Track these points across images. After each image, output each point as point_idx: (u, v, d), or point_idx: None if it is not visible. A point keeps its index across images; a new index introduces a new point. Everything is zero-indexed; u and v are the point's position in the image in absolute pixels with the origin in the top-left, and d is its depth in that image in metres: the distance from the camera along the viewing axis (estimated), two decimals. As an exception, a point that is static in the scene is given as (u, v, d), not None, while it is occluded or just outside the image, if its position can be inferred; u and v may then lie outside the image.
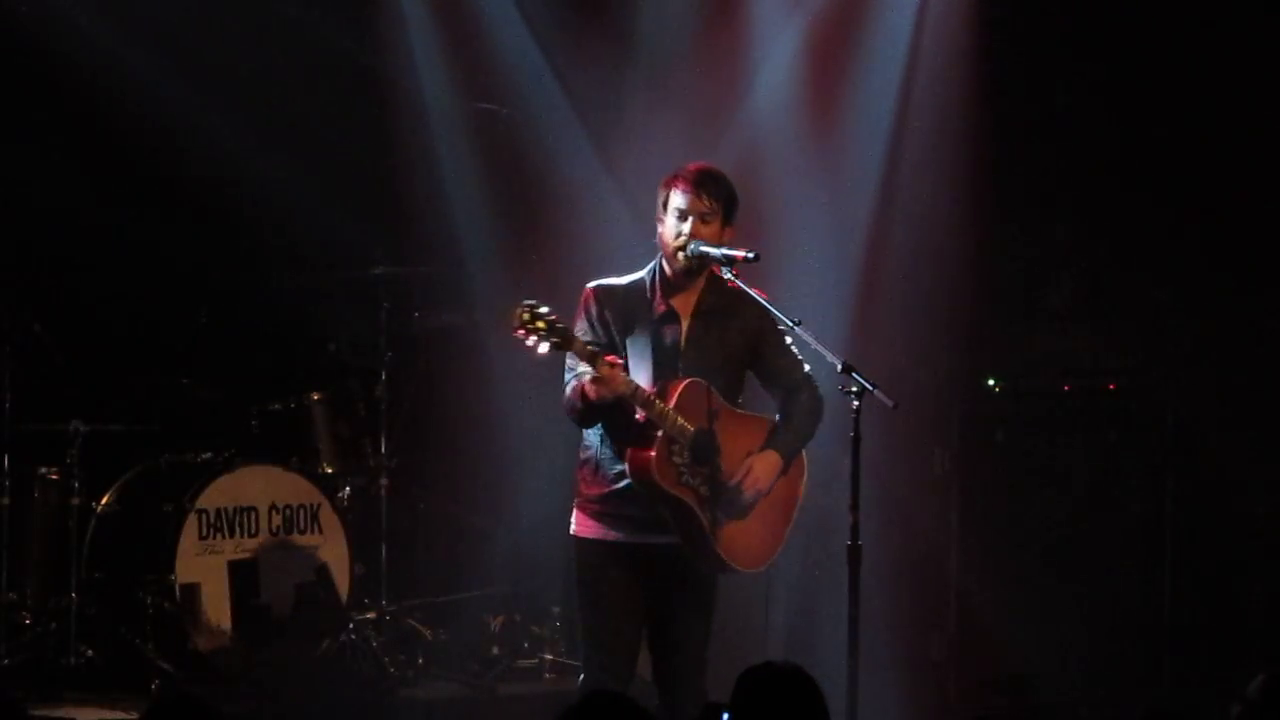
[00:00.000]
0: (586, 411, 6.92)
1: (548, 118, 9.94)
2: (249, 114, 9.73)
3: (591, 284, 7.10)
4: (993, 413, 9.80)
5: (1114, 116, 9.97)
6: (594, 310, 7.05)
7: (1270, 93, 9.77)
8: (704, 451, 6.98)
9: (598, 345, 6.93)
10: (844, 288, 9.68)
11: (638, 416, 6.89)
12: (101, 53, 9.52)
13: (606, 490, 7.03)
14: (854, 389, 6.96)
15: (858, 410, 6.98)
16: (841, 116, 9.89)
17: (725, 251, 7.10)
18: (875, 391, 6.95)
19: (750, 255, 7.09)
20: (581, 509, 7.09)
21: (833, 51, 9.91)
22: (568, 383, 7.00)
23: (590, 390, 6.85)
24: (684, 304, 7.11)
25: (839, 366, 6.98)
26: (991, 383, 9.81)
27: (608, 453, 7.02)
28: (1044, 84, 9.93)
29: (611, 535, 7.03)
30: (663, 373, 6.98)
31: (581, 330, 7.00)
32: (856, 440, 7.00)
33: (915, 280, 9.80)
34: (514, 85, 9.98)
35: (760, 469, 7.07)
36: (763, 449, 7.09)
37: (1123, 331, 9.94)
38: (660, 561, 7.04)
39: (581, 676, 7.18)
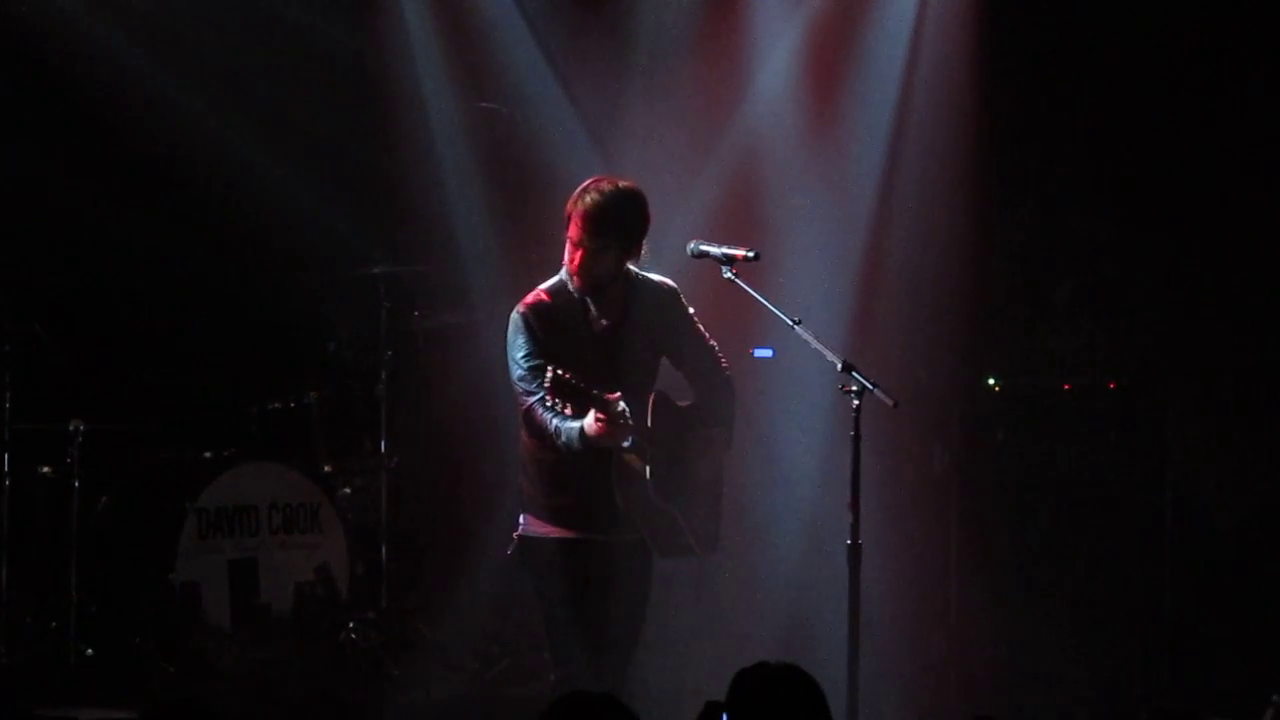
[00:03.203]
0: (583, 450, 6.92)
1: (548, 117, 9.94)
2: (249, 114, 9.74)
3: (523, 306, 7.05)
4: (993, 413, 9.80)
5: (1114, 116, 9.97)
6: (542, 333, 7.00)
7: (1272, 94, 9.77)
8: (674, 463, 7.08)
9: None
10: (844, 287, 9.67)
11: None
12: (101, 53, 9.53)
13: (577, 495, 7.04)
14: (854, 388, 6.98)
15: (858, 409, 6.99)
16: (841, 116, 9.89)
17: (726, 250, 7.12)
18: (875, 391, 6.96)
19: (750, 254, 7.12)
20: (544, 513, 7.09)
21: (833, 51, 9.91)
22: (531, 405, 6.96)
23: (600, 434, 6.84)
24: (612, 312, 7.11)
25: (839, 366, 7.00)
26: (991, 383, 9.81)
27: (569, 463, 7.01)
28: (1044, 83, 9.93)
29: (587, 535, 7.06)
30: (608, 387, 6.95)
31: (531, 353, 6.97)
32: (857, 439, 7.02)
33: (915, 279, 9.80)
34: (514, 85, 9.98)
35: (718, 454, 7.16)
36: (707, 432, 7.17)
37: (1123, 331, 9.93)
38: (620, 557, 7.10)
39: (559, 678, 7.18)
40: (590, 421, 6.84)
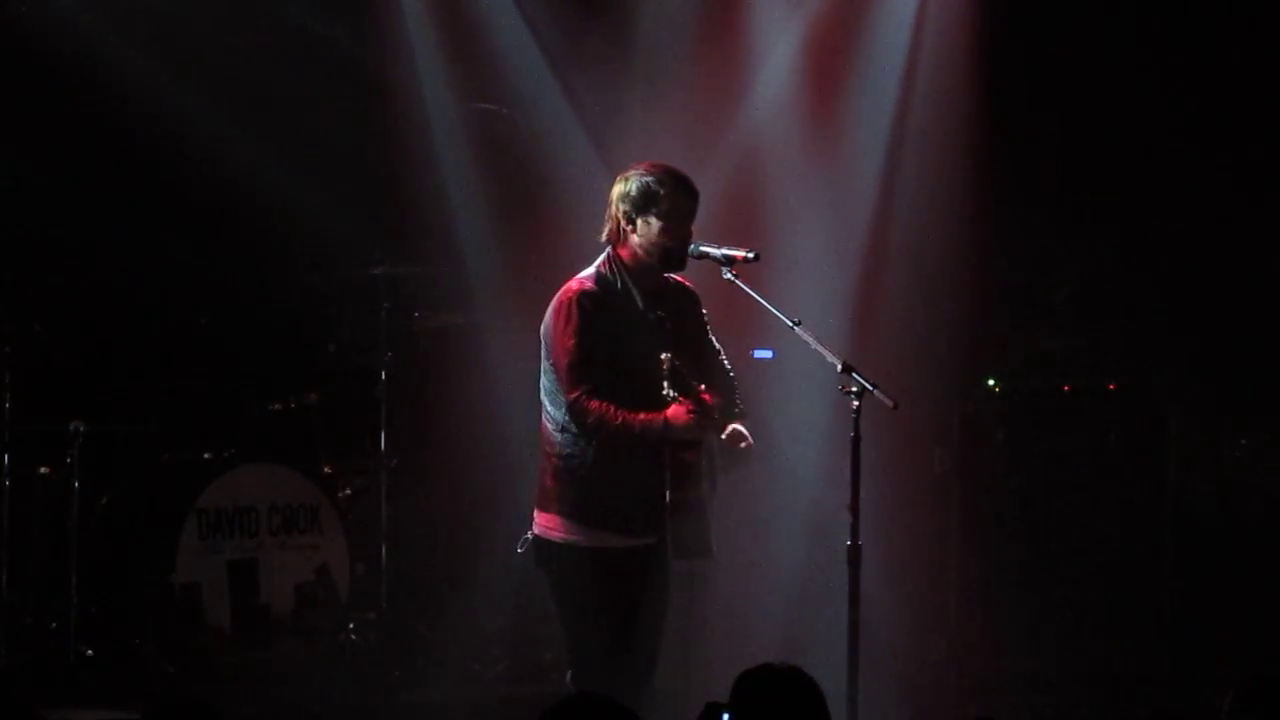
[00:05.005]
0: (657, 441, 6.85)
1: (548, 118, 9.94)
2: (249, 114, 9.73)
3: (577, 294, 6.96)
4: (993, 413, 9.80)
5: (1113, 116, 9.97)
6: (597, 318, 6.93)
7: (1271, 95, 9.78)
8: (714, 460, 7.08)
9: (609, 355, 6.92)
10: (844, 288, 9.67)
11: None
12: (101, 53, 9.52)
13: (597, 496, 6.96)
14: (854, 389, 6.96)
15: (858, 410, 6.97)
16: (841, 117, 9.89)
17: (726, 251, 7.09)
18: (875, 391, 6.95)
19: (751, 255, 7.08)
20: (573, 513, 6.99)
21: (833, 52, 9.90)
22: (580, 395, 6.87)
23: (689, 424, 6.80)
24: (654, 304, 7.08)
25: (839, 366, 6.98)
26: (991, 383, 9.81)
27: (603, 459, 6.96)
28: (1044, 83, 9.93)
29: (615, 541, 6.99)
30: (655, 379, 6.92)
31: (583, 342, 6.90)
32: (856, 440, 7.00)
33: (915, 280, 9.80)
34: (514, 85, 9.98)
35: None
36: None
37: (1122, 331, 9.93)
38: (638, 561, 7.03)
39: (576, 685, 7.13)
40: (682, 411, 6.79)
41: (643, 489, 6.94)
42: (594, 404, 6.87)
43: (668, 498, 6.91)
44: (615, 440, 6.89)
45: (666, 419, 6.83)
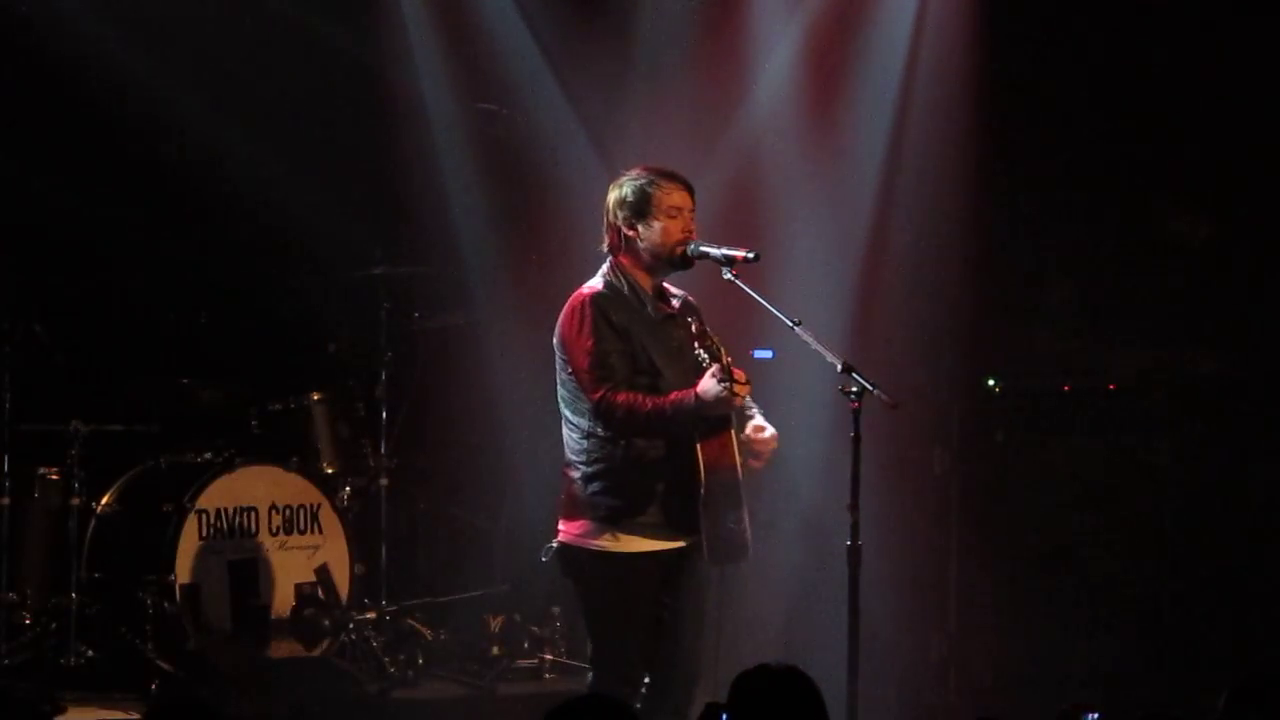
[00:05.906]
0: (689, 420, 6.80)
1: (547, 118, 9.94)
2: (249, 114, 9.74)
3: (589, 297, 6.95)
4: (993, 413, 9.80)
5: (1114, 115, 9.97)
6: (611, 319, 6.91)
7: (1272, 92, 9.78)
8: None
9: (627, 354, 6.92)
10: (844, 287, 9.68)
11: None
12: (101, 53, 9.53)
13: (628, 500, 6.90)
14: (854, 389, 6.97)
15: (857, 410, 6.98)
16: (841, 117, 9.89)
17: (726, 251, 7.07)
18: (875, 391, 6.95)
19: (751, 255, 7.07)
20: (604, 517, 6.91)
21: (833, 52, 9.91)
22: (605, 393, 6.83)
23: (721, 395, 6.74)
24: (664, 307, 7.09)
25: (839, 366, 6.98)
26: (991, 383, 9.82)
27: (633, 460, 6.90)
28: (1044, 83, 9.93)
29: (637, 546, 6.93)
30: (681, 375, 6.92)
31: (602, 341, 6.89)
32: (856, 440, 7.01)
33: (915, 280, 9.81)
34: (514, 85, 9.98)
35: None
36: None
37: (1123, 331, 9.93)
38: (672, 565, 6.99)
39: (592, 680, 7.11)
40: (712, 382, 6.72)
41: (677, 488, 6.88)
42: (620, 397, 6.83)
43: (703, 491, 6.86)
44: (649, 427, 6.83)
45: (697, 393, 6.78)
